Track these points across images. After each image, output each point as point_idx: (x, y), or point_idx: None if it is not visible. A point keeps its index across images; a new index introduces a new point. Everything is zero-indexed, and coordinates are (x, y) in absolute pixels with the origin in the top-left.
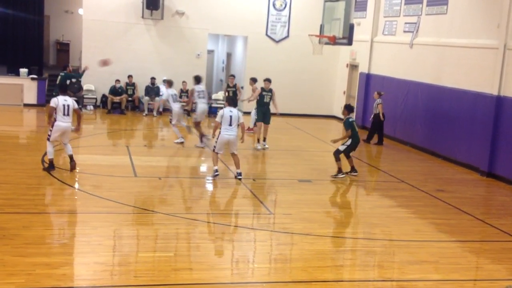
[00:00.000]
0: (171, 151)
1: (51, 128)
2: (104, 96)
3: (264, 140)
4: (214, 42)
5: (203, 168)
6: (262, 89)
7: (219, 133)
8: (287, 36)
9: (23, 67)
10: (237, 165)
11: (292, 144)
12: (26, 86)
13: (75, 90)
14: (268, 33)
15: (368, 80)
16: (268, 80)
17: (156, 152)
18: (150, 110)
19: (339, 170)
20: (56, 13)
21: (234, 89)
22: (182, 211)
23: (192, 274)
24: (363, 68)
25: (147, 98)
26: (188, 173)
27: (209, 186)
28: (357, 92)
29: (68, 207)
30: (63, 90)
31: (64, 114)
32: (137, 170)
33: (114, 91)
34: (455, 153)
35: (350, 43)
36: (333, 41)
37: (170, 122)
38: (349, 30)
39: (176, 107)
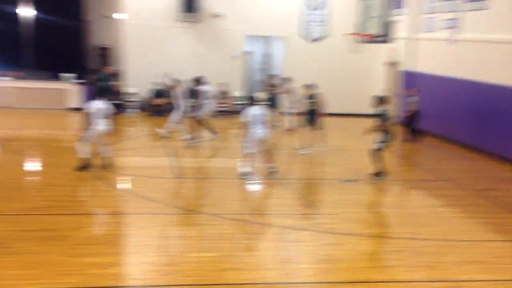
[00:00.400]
0: (212, 152)
1: (86, 131)
2: (145, 99)
3: (310, 144)
4: (252, 43)
5: (244, 169)
6: (306, 96)
7: (249, 133)
8: (325, 35)
9: (66, 72)
10: (269, 160)
11: (331, 144)
12: (70, 90)
13: (115, 93)
14: (305, 33)
15: (408, 77)
16: (307, 86)
17: (197, 153)
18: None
19: (380, 172)
20: (96, 19)
21: (273, 88)
22: (226, 212)
23: (238, 274)
24: (403, 66)
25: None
26: (229, 174)
27: (251, 187)
28: (397, 90)
29: (114, 208)
30: (98, 94)
31: (99, 118)
32: (180, 171)
33: (156, 94)
34: (502, 150)
35: (388, 40)
36: (371, 39)
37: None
38: (387, 27)
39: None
